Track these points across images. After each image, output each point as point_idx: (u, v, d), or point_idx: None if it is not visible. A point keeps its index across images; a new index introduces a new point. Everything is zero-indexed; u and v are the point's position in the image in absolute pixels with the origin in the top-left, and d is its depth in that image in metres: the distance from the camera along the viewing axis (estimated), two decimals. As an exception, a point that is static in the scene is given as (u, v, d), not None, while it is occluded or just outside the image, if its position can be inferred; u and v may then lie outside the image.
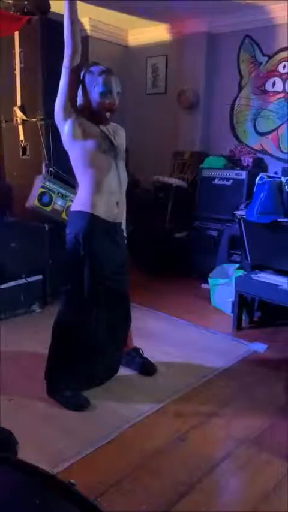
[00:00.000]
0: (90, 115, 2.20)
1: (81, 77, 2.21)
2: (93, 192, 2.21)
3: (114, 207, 2.26)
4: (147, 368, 2.68)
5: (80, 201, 2.27)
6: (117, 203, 2.27)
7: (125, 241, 2.46)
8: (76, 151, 2.20)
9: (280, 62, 4.41)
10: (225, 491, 1.84)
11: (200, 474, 1.87)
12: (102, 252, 2.26)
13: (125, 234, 2.47)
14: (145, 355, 2.73)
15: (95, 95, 2.17)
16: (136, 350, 2.71)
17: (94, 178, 2.20)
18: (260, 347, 3.08)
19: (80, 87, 2.20)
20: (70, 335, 2.34)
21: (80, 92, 2.21)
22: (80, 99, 2.21)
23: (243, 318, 3.45)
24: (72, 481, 0.82)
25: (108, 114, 2.21)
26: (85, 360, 2.37)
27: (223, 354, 2.98)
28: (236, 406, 2.40)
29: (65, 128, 2.17)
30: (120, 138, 2.35)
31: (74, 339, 2.34)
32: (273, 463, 1.96)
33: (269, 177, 3.46)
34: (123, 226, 2.44)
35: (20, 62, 3.59)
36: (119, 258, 2.38)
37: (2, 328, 3.26)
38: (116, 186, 2.25)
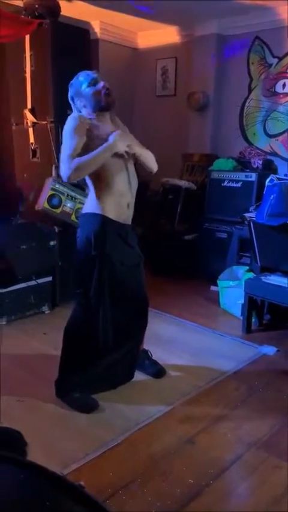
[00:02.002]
0: (96, 112, 2.24)
1: (70, 95, 2.30)
2: (104, 194, 2.22)
3: (125, 209, 2.26)
4: (156, 371, 2.67)
5: (90, 203, 2.28)
6: (127, 205, 2.28)
7: (137, 246, 2.45)
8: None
9: (290, 63, 4.39)
10: (234, 495, 1.83)
11: (209, 477, 1.86)
12: (114, 253, 2.25)
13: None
14: (154, 357, 2.73)
15: (86, 89, 2.23)
16: (145, 352, 2.71)
17: (104, 180, 2.21)
18: (270, 350, 3.06)
19: (74, 100, 2.28)
20: (80, 337, 2.35)
21: (79, 104, 2.27)
22: (81, 110, 2.28)
23: (253, 320, 3.43)
24: (81, 483, 0.82)
25: (108, 98, 2.23)
26: (96, 363, 2.37)
27: (232, 356, 2.96)
28: (245, 409, 2.39)
29: None
30: (130, 139, 2.35)
31: (83, 341, 2.34)
32: (283, 467, 1.94)
33: (279, 179, 3.44)
34: None
35: (31, 65, 3.62)
36: (132, 259, 2.37)
37: (12, 329, 3.28)
38: (127, 188, 2.26)
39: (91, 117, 2.24)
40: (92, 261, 2.25)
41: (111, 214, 2.23)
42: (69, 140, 2.15)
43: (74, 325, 2.37)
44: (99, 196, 2.24)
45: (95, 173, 2.21)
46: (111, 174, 2.21)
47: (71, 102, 2.32)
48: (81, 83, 2.25)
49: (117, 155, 2.19)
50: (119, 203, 2.24)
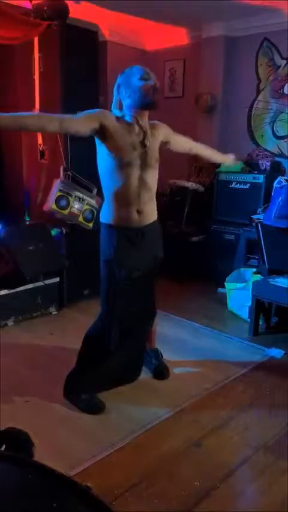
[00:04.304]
0: (137, 107, 2.19)
1: (118, 82, 2.25)
2: (112, 203, 2.22)
3: (133, 215, 2.23)
4: (159, 371, 2.68)
5: (103, 212, 2.30)
6: (137, 211, 2.23)
7: (158, 243, 2.42)
8: (101, 161, 2.22)
9: (299, 65, 4.37)
10: (241, 499, 1.82)
11: (216, 480, 1.85)
12: (124, 258, 2.24)
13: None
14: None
15: (135, 81, 2.18)
16: (155, 352, 2.73)
17: (113, 189, 2.21)
18: (277, 353, 3.04)
19: (121, 88, 2.23)
20: (98, 341, 2.35)
21: (123, 94, 2.21)
22: (123, 100, 2.22)
23: (260, 323, 3.41)
24: (88, 484, 0.82)
25: (154, 97, 2.19)
26: (105, 363, 2.37)
27: (239, 359, 2.95)
28: (252, 412, 2.38)
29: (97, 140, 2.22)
30: (155, 139, 2.32)
31: (100, 345, 2.34)
32: (291, 471, 1.93)
33: (287, 180, 3.43)
34: None
35: (39, 67, 3.63)
36: (143, 263, 2.33)
37: (19, 330, 3.29)
38: (135, 196, 2.21)
39: (130, 112, 2.20)
40: (105, 267, 2.27)
41: (120, 222, 2.22)
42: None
43: (95, 330, 2.37)
44: (108, 204, 2.25)
45: (108, 181, 2.21)
46: (119, 184, 2.18)
47: (115, 90, 2.26)
48: (134, 73, 2.21)
49: (131, 163, 2.16)
50: (127, 211, 2.22)
